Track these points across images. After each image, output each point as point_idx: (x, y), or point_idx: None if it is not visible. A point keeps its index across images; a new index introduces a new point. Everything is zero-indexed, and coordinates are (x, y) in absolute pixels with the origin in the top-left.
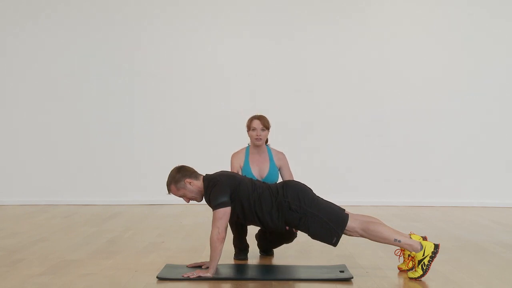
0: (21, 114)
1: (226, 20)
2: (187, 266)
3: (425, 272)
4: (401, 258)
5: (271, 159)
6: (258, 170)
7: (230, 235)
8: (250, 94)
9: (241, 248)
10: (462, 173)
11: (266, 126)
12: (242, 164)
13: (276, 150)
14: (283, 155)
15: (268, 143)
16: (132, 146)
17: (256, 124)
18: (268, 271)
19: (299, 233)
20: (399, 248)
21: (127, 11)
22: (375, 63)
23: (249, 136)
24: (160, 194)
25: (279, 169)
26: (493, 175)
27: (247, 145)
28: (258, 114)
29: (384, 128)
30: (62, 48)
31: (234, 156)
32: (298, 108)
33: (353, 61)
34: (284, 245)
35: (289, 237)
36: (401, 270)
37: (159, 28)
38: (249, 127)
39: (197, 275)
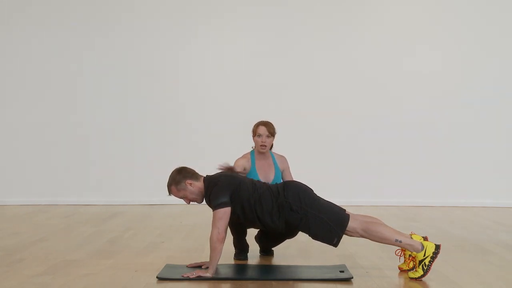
0: (21, 114)
1: (229, 20)
2: (187, 266)
3: (425, 272)
4: (402, 258)
5: (275, 164)
6: (265, 176)
7: (230, 236)
8: (252, 94)
9: (241, 248)
10: (462, 173)
11: (271, 132)
12: (248, 168)
13: (278, 154)
14: (285, 158)
15: (272, 149)
16: (132, 146)
17: (262, 130)
18: (268, 271)
19: (299, 232)
20: (400, 248)
21: (126, 11)
22: (377, 63)
23: (254, 141)
24: (160, 194)
25: (281, 172)
26: (493, 175)
27: (251, 150)
28: (265, 120)
29: (384, 128)
30: (62, 48)
31: (238, 159)
32: (298, 108)
33: (354, 61)
34: (284, 245)
35: (291, 233)
36: (402, 270)
37: (155, 28)
38: (255, 133)
39: (196, 275)
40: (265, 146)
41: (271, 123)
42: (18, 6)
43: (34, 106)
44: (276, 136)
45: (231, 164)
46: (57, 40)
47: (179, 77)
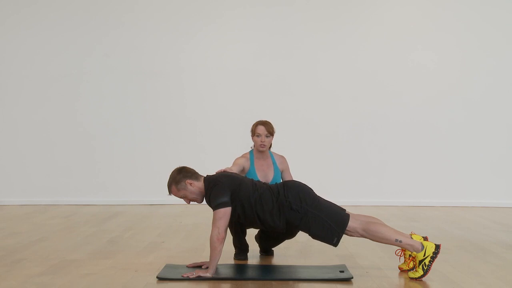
0: (21, 114)
1: (232, 20)
2: (187, 266)
3: (425, 272)
4: (402, 258)
5: (274, 164)
6: (264, 176)
7: (230, 236)
8: (255, 94)
9: (241, 248)
10: (462, 173)
11: (270, 132)
12: (247, 168)
13: (277, 154)
14: (285, 158)
15: (271, 148)
16: (132, 146)
17: (261, 130)
18: (268, 271)
19: (299, 232)
20: (400, 248)
21: (125, 12)
22: (377, 64)
23: (253, 141)
24: (160, 194)
25: (281, 173)
26: (493, 175)
27: (250, 150)
28: (263, 119)
29: (384, 128)
30: (65, 48)
31: (237, 158)
32: (300, 108)
33: (355, 62)
34: (284, 245)
35: (290, 233)
36: (402, 270)
37: (154, 28)
38: (254, 133)
39: (196, 275)
40: (265, 145)
41: (270, 123)
42: (22, 5)
43: (35, 106)
44: (274, 135)
45: (230, 165)
46: (60, 40)
47: (181, 78)
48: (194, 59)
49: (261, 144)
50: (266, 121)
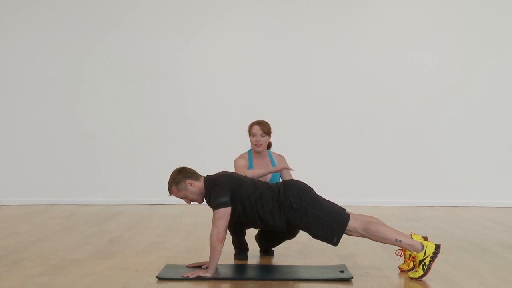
0: (21, 114)
1: (232, 20)
2: (187, 266)
3: (426, 272)
4: (402, 258)
5: (273, 163)
6: None
7: (230, 236)
8: (255, 95)
9: (241, 248)
10: (462, 173)
11: (265, 131)
12: (247, 167)
13: (276, 153)
14: (283, 158)
15: (271, 148)
16: (132, 146)
17: (256, 129)
18: (268, 271)
19: (299, 232)
20: (400, 248)
21: (125, 12)
22: (377, 64)
23: (250, 141)
24: (160, 194)
25: (280, 172)
26: (493, 175)
27: (249, 149)
28: (259, 119)
29: (384, 128)
30: (65, 48)
31: (238, 160)
32: (300, 108)
33: (355, 61)
34: (284, 245)
35: (291, 233)
36: (402, 270)
37: (154, 28)
38: (250, 133)
39: (196, 275)
40: (260, 144)
41: (266, 122)
42: (22, 5)
43: (35, 106)
44: (274, 135)
45: (229, 165)
46: (60, 40)
47: (181, 78)
48: (194, 59)
49: (256, 144)
50: (261, 120)
